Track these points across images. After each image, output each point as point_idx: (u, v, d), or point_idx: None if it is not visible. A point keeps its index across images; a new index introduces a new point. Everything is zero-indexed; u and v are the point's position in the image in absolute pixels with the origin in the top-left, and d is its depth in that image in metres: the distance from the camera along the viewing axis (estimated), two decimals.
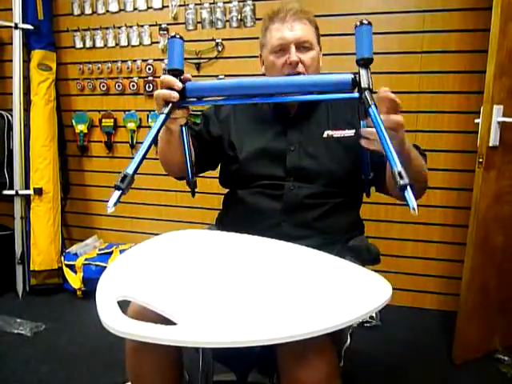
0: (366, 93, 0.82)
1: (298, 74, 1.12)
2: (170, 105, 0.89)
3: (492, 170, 1.61)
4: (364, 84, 0.83)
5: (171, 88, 0.90)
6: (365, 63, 0.84)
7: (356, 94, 0.84)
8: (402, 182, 0.70)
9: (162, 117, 0.88)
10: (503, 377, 1.63)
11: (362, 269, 0.87)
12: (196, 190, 1.17)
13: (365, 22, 0.85)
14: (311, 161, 1.14)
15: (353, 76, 0.85)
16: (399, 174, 0.71)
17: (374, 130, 0.81)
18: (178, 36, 0.92)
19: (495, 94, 1.54)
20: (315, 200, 1.12)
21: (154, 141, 0.86)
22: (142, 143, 0.84)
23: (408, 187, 0.70)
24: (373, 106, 0.80)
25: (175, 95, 0.89)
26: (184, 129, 1.02)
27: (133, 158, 0.81)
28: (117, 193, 0.76)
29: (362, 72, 0.84)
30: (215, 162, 1.30)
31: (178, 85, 0.90)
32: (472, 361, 1.71)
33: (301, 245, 0.97)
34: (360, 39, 0.85)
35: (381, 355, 1.80)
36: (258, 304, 0.69)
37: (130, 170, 0.79)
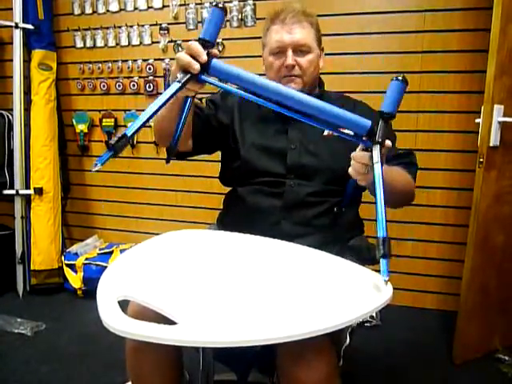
0: (377, 147, 0.81)
1: (294, 76, 1.15)
2: (188, 75, 0.83)
3: (492, 170, 1.61)
4: (378, 138, 0.82)
5: (195, 58, 0.83)
6: (387, 118, 0.84)
7: (367, 142, 0.84)
8: (381, 252, 0.73)
9: (176, 86, 0.82)
10: (504, 377, 1.63)
11: (363, 268, 0.87)
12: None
13: (400, 78, 0.85)
14: (311, 158, 1.15)
15: (371, 125, 0.84)
16: (383, 241, 0.74)
17: (365, 154, 0.83)
18: (221, 6, 0.85)
19: (496, 94, 1.53)
20: (315, 198, 1.12)
21: (161, 107, 0.81)
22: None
23: (386, 258, 0.73)
24: (379, 164, 0.80)
25: (197, 67, 0.82)
26: (189, 99, 0.98)
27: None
28: (108, 153, 0.72)
29: (381, 124, 0.83)
30: (214, 147, 1.28)
31: (203, 57, 0.83)
32: (472, 361, 1.71)
33: (300, 243, 0.97)
34: (391, 93, 0.85)
35: (381, 355, 1.80)
36: (258, 304, 0.69)
37: (128, 132, 0.75)
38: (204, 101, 1.26)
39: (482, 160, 1.57)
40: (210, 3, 2.22)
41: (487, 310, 1.75)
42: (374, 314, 2.02)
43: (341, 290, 0.76)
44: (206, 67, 0.84)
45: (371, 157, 0.82)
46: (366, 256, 1.09)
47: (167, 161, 1.09)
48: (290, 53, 1.13)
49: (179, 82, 0.82)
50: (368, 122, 0.84)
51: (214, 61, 0.85)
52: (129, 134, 0.75)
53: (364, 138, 0.84)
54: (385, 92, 0.86)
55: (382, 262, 0.73)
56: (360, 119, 0.84)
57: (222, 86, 0.92)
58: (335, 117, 0.86)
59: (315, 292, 0.75)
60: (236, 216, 1.21)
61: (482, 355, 1.74)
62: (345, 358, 0.96)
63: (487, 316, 1.76)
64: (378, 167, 0.80)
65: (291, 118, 1.17)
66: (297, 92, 1.06)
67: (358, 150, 0.87)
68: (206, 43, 0.85)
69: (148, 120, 0.79)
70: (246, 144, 1.19)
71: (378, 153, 0.81)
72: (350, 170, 0.88)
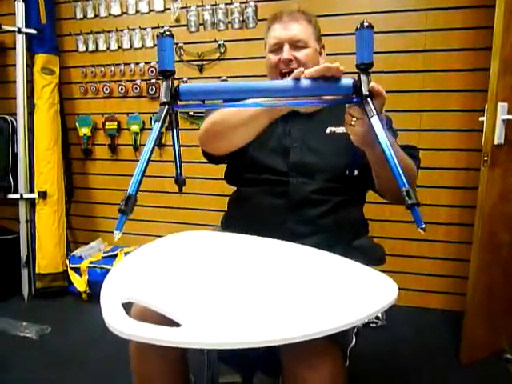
0: (368, 100, 0.80)
1: (292, 71, 1.14)
2: (164, 109, 0.82)
3: (497, 168, 1.60)
4: (365, 91, 0.81)
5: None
6: (365, 68, 0.82)
7: (356, 99, 0.83)
8: (409, 202, 0.72)
9: (157, 125, 0.81)
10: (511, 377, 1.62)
11: (368, 269, 0.86)
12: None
13: (365, 24, 0.81)
14: (313, 156, 1.15)
15: (354, 81, 0.83)
16: (407, 192, 0.73)
17: (354, 107, 0.84)
18: (166, 33, 0.84)
19: (499, 92, 1.52)
20: (318, 196, 1.12)
21: (152, 153, 0.81)
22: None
23: (416, 207, 0.72)
24: (376, 116, 0.78)
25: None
26: (175, 131, 0.99)
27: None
28: (121, 217, 0.74)
29: (363, 78, 0.82)
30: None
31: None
32: (480, 360, 1.70)
33: (305, 242, 0.97)
34: (361, 43, 0.82)
35: (387, 355, 1.79)
36: (262, 305, 0.69)
37: (132, 191, 0.76)
38: None
39: (486, 158, 1.56)
40: (212, 4, 2.23)
41: (494, 310, 1.74)
42: (380, 315, 2.01)
43: (346, 291, 0.75)
44: (177, 96, 0.85)
45: (363, 111, 0.81)
46: (371, 256, 1.09)
47: (180, 191, 1.07)
48: (286, 48, 1.16)
49: (158, 121, 0.82)
50: (349, 80, 0.84)
51: (182, 86, 0.86)
52: (133, 193, 0.76)
53: (356, 99, 0.83)
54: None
55: (414, 211, 0.73)
56: (341, 81, 0.85)
57: (197, 107, 0.92)
58: (317, 88, 0.86)
59: (320, 293, 0.74)
60: (241, 216, 1.21)
61: (490, 355, 1.73)
62: (350, 359, 0.95)
63: (494, 315, 1.75)
64: (375, 120, 0.78)
65: (294, 117, 1.19)
66: (270, 81, 1.06)
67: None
68: (168, 73, 0.85)
69: (144, 171, 0.79)
70: (250, 145, 1.19)
71: (372, 106, 0.79)
72: (347, 128, 0.90)
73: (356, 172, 1.09)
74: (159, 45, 0.85)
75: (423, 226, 0.72)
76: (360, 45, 0.82)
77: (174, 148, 1.03)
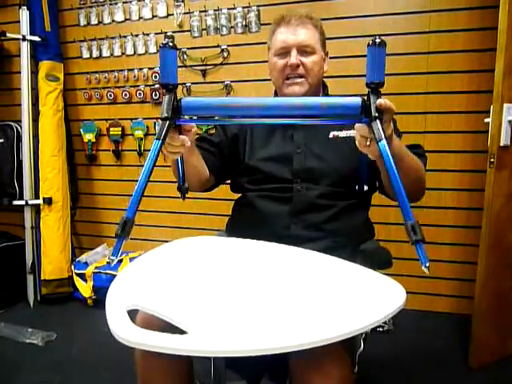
0: (378, 123, 0.77)
1: (300, 76, 1.15)
2: (165, 126, 0.80)
3: (504, 170, 1.59)
4: (374, 112, 0.77)
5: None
6: (375, 87, 0.79)
7: (365, 120, 0.80)
8: (414, 238, 0.70)
9: (158, 143, 0.79)
10: None
11: (375, 273, 0.85)
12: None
13: (377, 41, 0.76)
14: (317, 161, 1.15)
15: (361, 100, 0.80)
16: (412, 227, 0.70)
17: (364, 127, 0.81)
18: (169, 45, 0.81)
19: (505, 93, 1.51)
20: (323, 201, 1.12)
21: (151, 171, 0.80)
22: (148, 151, 0.78)
23: (421, 243, 0.69)
24: (384, 141, 0.75)
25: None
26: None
27: (141, 166, 0.77)
28: (118, 242, 0.73)
29: (372, 98, 0.78)
30: (231, 174, 1.30)
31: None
32: (489, 365, 1.68)
33: (311, 247, 0.96)
34: (372, 60, 0.78)
35: (395, 360, 1.77)
36: (269, 311, 0.68)
37: (130, 214, 0.75)
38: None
39: (492, 160, 1.54)
40: (215, 9, 2.24)
41: (503, 313, 1.72)
42: (387, 319, 1.99)
43: (353, 296, 0.74)
44: (178, 110, 0.83)
45: (372, 131, 0.78)
46: (377, 260, 1.08)
47: (183, 198, 1.10)
48: (294, 52, 1.14)
49: (158, 139, 0.80)
50: (358, 100, 0.80)
51: (183, 101, 0.84)
52: (131, 216, 0.75)
53: (364, 119, 0.80)
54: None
55: (418, 248, 0.69)
56: (349, 100, 0.81)
57: (200, 122, 0.91)
58: (324, 108, 0.83)
59: (327, 298, 0.73)
60: (245, 221, 1.20)
61: (499, 359, 1.71)
62: (358, 364, 0.94)
63: (503, 319, 1.73)
64: (382, 144, 0.75)
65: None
66: (275, 98, 1.04)
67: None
68: (170, 86, 0.82)
69: (143, 193, 0.78)
70: (254, 153, 1.20)
71: (380, 128, 0.76)
72: (357, 143, 0.87)
73: (366, 188, 1.09)
74: (161, 57, 0.82)
75: (427, 264, 0.69)
76: (371, 62, 0.78)
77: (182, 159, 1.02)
